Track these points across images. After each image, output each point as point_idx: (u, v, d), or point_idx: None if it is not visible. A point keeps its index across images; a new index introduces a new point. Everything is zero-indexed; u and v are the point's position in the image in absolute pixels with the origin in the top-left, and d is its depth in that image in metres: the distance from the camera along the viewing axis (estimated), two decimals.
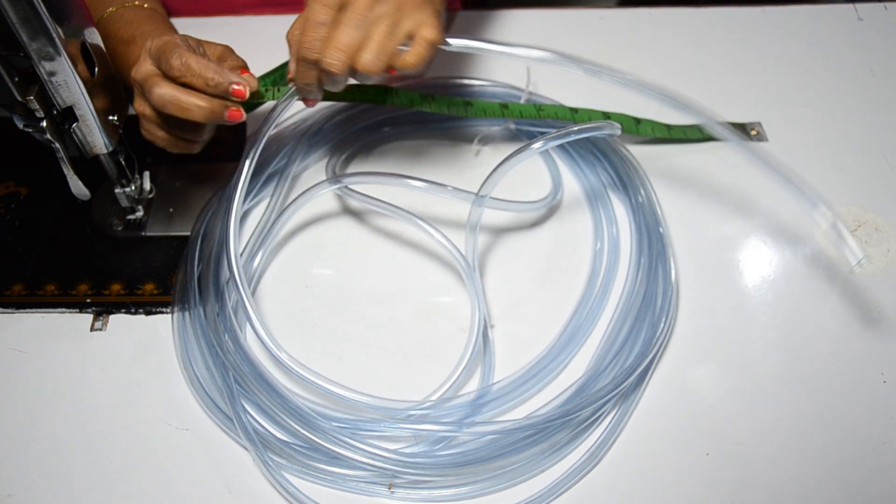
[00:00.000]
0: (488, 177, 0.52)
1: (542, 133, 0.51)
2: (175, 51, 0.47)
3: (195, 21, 0.75)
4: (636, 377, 0.51)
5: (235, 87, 0.49)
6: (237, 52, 0.55)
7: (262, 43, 0.63)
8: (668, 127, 0.67)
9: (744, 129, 0.69)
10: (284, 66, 0.58)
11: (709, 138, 0.68)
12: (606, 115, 0.65)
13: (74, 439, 0.50)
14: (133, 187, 0.58)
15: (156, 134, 0.53)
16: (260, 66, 0.57)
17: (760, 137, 0.68)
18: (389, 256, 0.60)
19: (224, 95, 0.49)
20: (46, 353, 0.54)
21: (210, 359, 0.52)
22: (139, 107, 0.52)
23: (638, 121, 0.65)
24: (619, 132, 0.54)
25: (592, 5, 0.80)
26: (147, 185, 0.60)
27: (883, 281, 0.58)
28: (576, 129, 0.51)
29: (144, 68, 0.49)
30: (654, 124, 0.66)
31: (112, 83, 0.51)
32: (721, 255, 0.60)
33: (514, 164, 0.51)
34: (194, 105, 0.48)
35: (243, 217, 0.61)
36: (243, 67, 0.53)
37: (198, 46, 0.52)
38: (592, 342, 0.55)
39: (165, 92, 0.47)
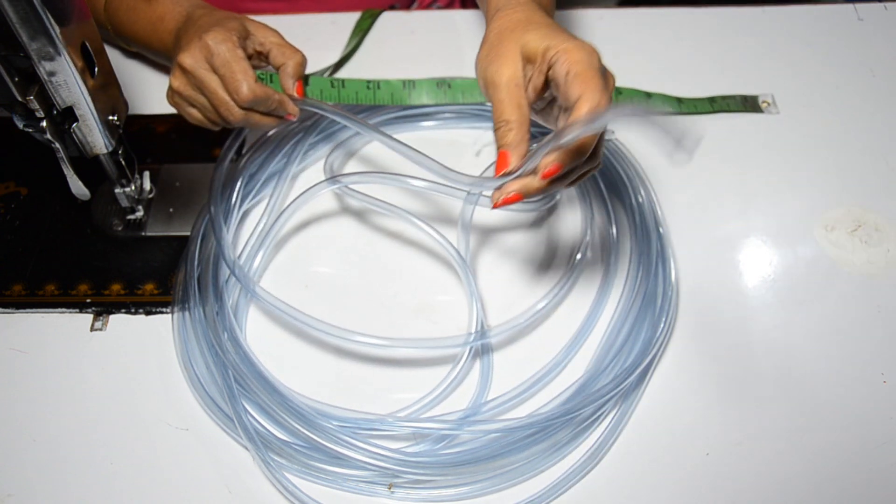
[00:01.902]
0: (482, 174, 0.52)
1: (542, 133, 0.52)
2: (244, 81, 0.53)
3: None
4: (636, 377, 0.51)
5: (288, 115, 0.57)
6: None
7: None
8: (679, 101, 0.69)
9: (755, 101, 0.70)
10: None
11: (719, 110, 0.69)
12: (619, 91, 0.67)
13: (74, 439, 0.50)
14: (133, 187, 0.58)
15: (187, 111, 0.57)
16: None
17: (771, 110, 0.69)
18: (389, 256, 0.60)
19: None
20: (46, 353, 0.54)
21: (210, 358, 0.52)
22: (180, 86, 0.55)
23: (649, 95, 0.67)
24: (613, 135, 0.55)
25: (592, 5, 0.80)
26: (147, 185, 0.60)
27: (883, 281, 0.58)
28: (571, 128, 0.51)
29: (203, 72, 0.53)
30: (665, 98, 0.68)
31: (112, 83, 0.51)
32: (721, 255, 0.60)
33: None
34: (267, 125, 0.57)
35: (243, 217, 0.61)
36: (300, 77, 0.57)
37: (247, 38, 0.55)
38: (592, 342, 0.55)
39: (250, 120, 0.56)
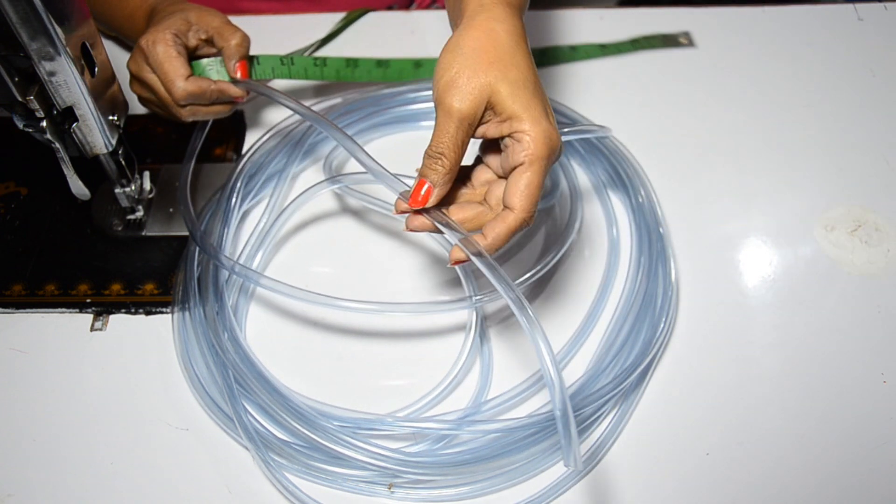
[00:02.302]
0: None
1: None
2: (175, 81, 0.54)
3: None
4: (636, 377, 0.51)
5: (236, 98, 0.58)
6: None
7: (264, 43, 0.63)
8: (602, 46, 0.75)
9: (674, 38, 0.76)
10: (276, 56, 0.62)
11: (641, 48, 0.75)
12: (542, 52, 0.74)
13: (74, 439, 0.50)
14: (133, 187, 0.58)
15: (154, 110, 0.59)
16: None
17: (690, 44, 0.76)
18: (388, 255, 0.60)
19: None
20: (46, 353, 0.54)
21: (210, 358, 0.52)
22: (137, 90, 0.58)
23: (573, 48, 0.74)
24: (611, 133, 0.55)
25: (592, 5, 0.80)
26: (147, 185, 0.60)
27: (883, 281, 0.58)
28: (565, 130, 0.52)
29: (146, 75, 0.55)
30: (588, 48, 0.75)
31: (112, 83, 0.51)
32: (721, 255, 0.60)
33: None
34: (220, 112, 0.58)
35: (243, 217, 0.61)
36: (242, 58, 0.57)
37: (189, 30, 0.56)
38: (592, 342, 0.55)
39: (198, 114, 0.57)
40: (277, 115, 0.68)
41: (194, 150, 0.60)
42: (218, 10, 0.58)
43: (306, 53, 0.72)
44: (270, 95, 0.55)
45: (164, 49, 0.53)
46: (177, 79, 0.54)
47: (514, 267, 0.59)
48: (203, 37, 0.56)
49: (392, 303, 0.50)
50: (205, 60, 0.57)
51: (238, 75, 0.57)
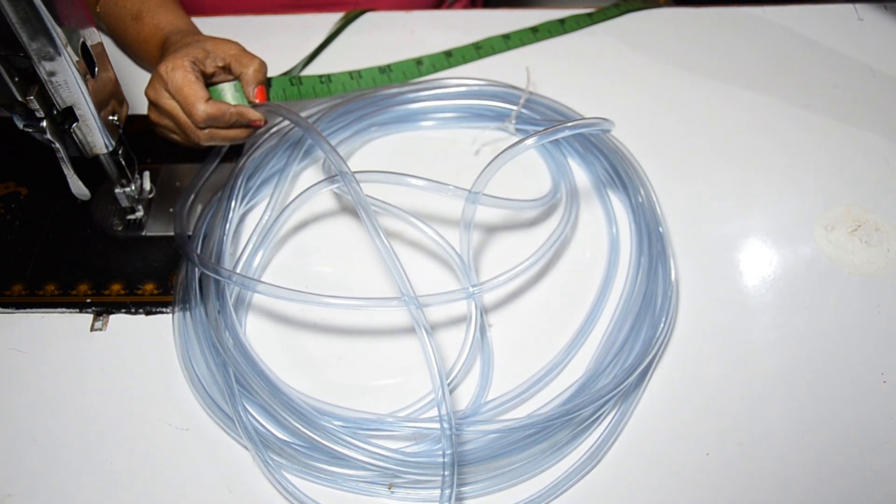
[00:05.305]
0: (480, 173, 0.52)
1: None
2: (195, 104, 0.55)
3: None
4: (636, 377, 0.51)
5: (254, 122, 0.59)
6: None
7: (265, 43, 0.63)
8: (591, 15, 0.78)
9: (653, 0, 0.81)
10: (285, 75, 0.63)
11: (625, 11, 0.78)
12: (535, 30, 0.75)
13: (74, 439, 0.50)
14: (133, 187, 0.58)
15: (170, 138, 0.60)
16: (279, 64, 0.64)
17: (668, 4, 0.79)
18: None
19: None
20: (46, 353, 0.54)
21: (210, 358, 0.52)
22: (154, 117, 0.59)
23: (563, 21, 0.76)
24: (612, 128, 0.55)
25: (591, 5, 0.80)
26: (147, 185, 0.60)
27: (883, 281, 0.58)
28: (569, 125, 0.52)
29: (165, 101, 0.56)
30: (577, 18, 0.77)
31: (112, 83, 0.51)
32: (721, 255, 0.60)
33: (506, 160, 0.51)
34: (237, 136, 0.59)
35: (243, 216, 0.61)
36: (260, 83, 0.59)
37: (207, 57, 0.57)
38: (592, 342, 0.55)
39: (216, 137, 0.58)
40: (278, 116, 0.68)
41: (207, 169, 0.63)
42: (191, 36, 0.60)
43: (300, 71, 0.72)
44: (289, 118, 0.57)
45: (182, 74, 0.55)
46: (197, 101, 0.55)
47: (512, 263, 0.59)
48: (220, 64, 0.58)
49: (387, 298, 0.50)
50: (220, 85, 0.59)
51: (257, 101, 0.59)
